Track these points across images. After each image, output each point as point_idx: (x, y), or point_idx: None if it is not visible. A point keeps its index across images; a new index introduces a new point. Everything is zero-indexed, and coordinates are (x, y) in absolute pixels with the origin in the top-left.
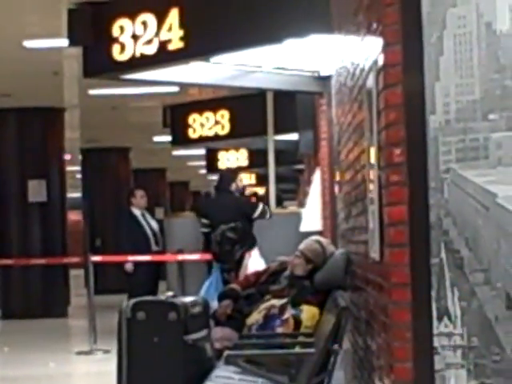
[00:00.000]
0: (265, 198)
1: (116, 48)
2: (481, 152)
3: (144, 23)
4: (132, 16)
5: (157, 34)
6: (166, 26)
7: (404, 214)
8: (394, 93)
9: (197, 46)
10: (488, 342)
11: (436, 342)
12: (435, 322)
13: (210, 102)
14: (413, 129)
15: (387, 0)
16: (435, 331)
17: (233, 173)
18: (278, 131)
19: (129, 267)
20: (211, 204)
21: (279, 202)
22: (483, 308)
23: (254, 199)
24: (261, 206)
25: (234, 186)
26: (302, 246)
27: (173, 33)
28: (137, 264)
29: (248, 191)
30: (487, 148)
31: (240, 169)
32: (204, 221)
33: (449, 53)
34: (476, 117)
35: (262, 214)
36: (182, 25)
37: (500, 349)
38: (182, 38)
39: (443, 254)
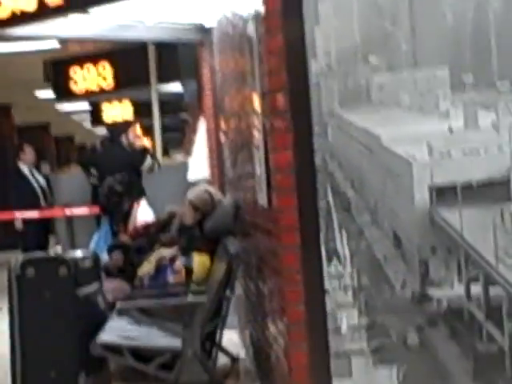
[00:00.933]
0: (153, 151)
1: None
2: (363, 95)
3: None
4: None
5: None
6: None
7: (290, 160)
8: (274, 39)
9: None
10: (378, 281)
11: (327, 284)
12: (325, 264)
13: (92, 56)
14: (295, 75)
15: None
16: (325, 273)
17: (124, 125)
18: (161, 81)
19: (18, 225)
20: (101, 156)
21: (165, 152)
22: (372, 248)
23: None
24: (149, 159)
25: (123, 138)
26: (190, 195)
27: None
28: (27, 221)
29: (138, 144)
30: (369, 91)
31: (130, 122)
32: (93, 171)
33: None
34: (357, 60)
35: (150, 168)
36: None
37: (390, 287)
38: None
39: (330, 197)
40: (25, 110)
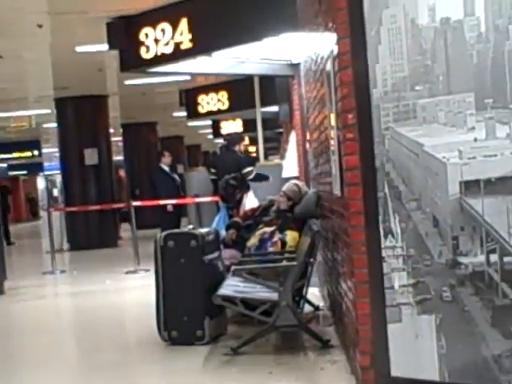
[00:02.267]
0: (255, 159)
1: (143, 49)
2: (410, 114)
3: (163, 30)
4: (153, 25)
5: (172, 38)
6: (178, 32)
7: (357, 162)
8: (346, 74)
9: (202, 45)
10: (421, 251)
11: (384, 253)
12: (382, 239)
13: (213, 86)
14: (361, 99)
15: (339, 5)
16: (383, 245)
17: (239, 137)
18: (263, 105)
19: (170, 208)
20: (219, 159)
21: (266, 157)
22: (417, 227)
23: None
24: (251, 168)
25: (237, 147)
26: (284, 188)
27: (184, 36)
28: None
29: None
30: (415, 111)
31: (242, 135)
32: (212, 170)
33: (385, 42)
34: (406, 88)
35: (247, 174)
36: (191, 30)
37: (430, 256)
38: (190, 40)
39: (386, 190)
40: (166, 125)
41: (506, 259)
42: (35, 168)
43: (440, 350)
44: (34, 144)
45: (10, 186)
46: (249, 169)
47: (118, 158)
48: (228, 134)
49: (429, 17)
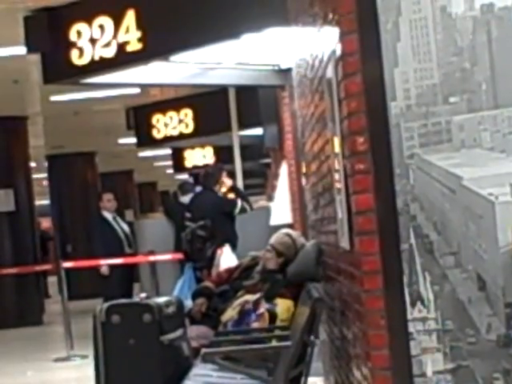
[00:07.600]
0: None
1: (74, 53)
2: (444, 135)
3: (101, 26)
4: (88, 20)
5: (114, 37)
6: (123, 28)
7: (371, 202)
8: (353, 82)
9: (155, 46)
10: (462, 325)
11: (411, 328)
12: (409, 308)
13: (173, 102)
14: (374, 116)
15: None
16: (409, 317)
17: (218, 170)
18: (242, 127)
19: (104, 270)
20: (196, 199)
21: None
22: (455, 291)
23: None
24: (239, 202)
25: (217, 186)
26: (272, 240)
27: (130, 34)
28: (111, 267)
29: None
30: (450, 131)
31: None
32: (188, 215)
33: (406, 38)
34: (437, 101)
35: (243, 210)
36: (139, 26)
37: (475, 330)
38: (139, 39)
39: (412, 240)
40: (108, 157)
41: None
42: None
43: None
44: None
45: None
46: (239, 205)
47: (43, 202)
48: (196, 167)
49: (466, 3)
